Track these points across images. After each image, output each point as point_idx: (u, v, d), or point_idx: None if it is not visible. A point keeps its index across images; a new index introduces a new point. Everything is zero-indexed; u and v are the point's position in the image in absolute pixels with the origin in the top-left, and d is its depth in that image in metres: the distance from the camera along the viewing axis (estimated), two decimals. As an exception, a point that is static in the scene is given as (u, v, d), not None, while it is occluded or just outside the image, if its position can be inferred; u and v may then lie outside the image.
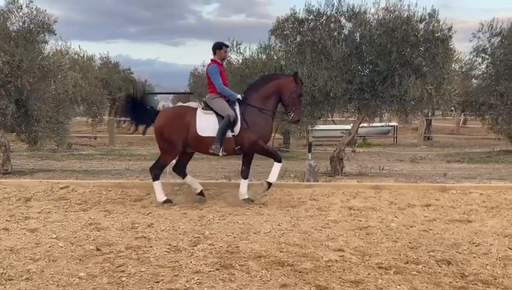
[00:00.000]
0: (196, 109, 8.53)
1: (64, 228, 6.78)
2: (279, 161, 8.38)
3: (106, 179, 10.78)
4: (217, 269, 5.13)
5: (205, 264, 5.25)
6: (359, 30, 10.74)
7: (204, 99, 8.77)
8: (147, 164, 13.70)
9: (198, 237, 6.29)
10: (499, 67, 15.60)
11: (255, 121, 8.28)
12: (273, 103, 8.41)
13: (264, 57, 14.79)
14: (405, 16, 10.45)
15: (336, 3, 11.00)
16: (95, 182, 9.91)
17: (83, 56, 20.52)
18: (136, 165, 13.67)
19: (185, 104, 8.94)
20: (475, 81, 18.11)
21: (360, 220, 7.17)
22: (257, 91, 8.42)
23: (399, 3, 10.59)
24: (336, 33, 10.96)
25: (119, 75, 29.34)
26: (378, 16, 10.78)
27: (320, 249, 5.81)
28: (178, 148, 8.47)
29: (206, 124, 8.28)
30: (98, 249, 5.78)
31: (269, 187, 8.41)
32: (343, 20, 11.09)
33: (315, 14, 11.10)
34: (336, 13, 11.03)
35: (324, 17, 11.08)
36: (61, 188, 9.38)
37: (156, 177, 8.55)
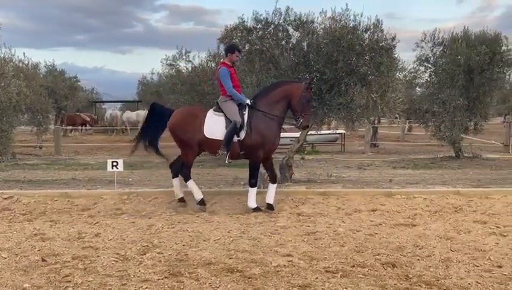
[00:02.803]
0: (207, 110, 8.61)
1: (8, 239, 6.62)
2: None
3: (52, 188, 10.53)
4: (166, 277, 5.11)
5: (154, 273, 5.23)
6: (306, 39, 10.87)
7: (216, 101, 8.75)
8: (94, 173, 13.54)
9: (147, 245, 6.25)
10: (441, 76, 16.10)
11: (260, 127, 8.30)
12: (282, 109, 8.45)
13: (213, 65, 14.84)
14: (351, 25, 10.65)
15: (283, 13, 11.12)
16: (40, 192, 9.70)
17: (28, 64, 19.96)
18: (82, 174, 13.40)
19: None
20: (419, 89, 18.62)
21: (309, 226, 7.28)
22: (267, 97, 8.47)
23: (345, 13, 10.78)
24: (283, 42, 11.07)
25: (65, 83, 28.73)
26: (325, 26, 10.95)
27: (269, 254, 5.88)
28: (195, 146, 8.52)
29: (214, 127, 8.34)
30: (43, 260, 5.67)
31: (272, 209, 8.37)
32: (290, 29, 11.21)
33: (263, 23, 11.17)
34: (284, 22, 11.14)
35: (272, 26, 11.17)
36: (5, 198, 9.15)
37: (187, 178, 8.61)
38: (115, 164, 9.67)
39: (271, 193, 8.53)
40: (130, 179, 12.14)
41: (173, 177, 8.87)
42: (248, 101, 8.43)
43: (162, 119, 8.79)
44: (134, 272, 5.26)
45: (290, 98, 8.39)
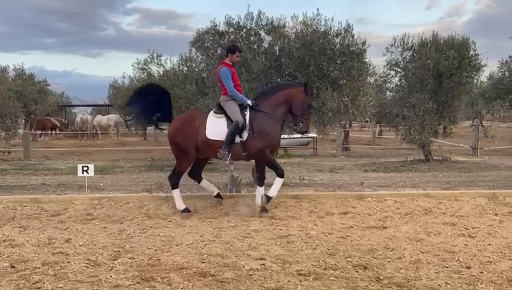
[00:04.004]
0: (207, 113, 8.58)
1: (-25, 245, 6.48)
2: (281, 176, 8.40)
3: (21, 194, 10.36)
4: (138, 283, 5.08)
5: (125, 278, 5.18)
6: (278, 43, 10.93)
7: (218, 101, 8.72)
8: (64, 178, 13.37)
9: (119, 251, 6.19)
10: (411, 80, 16.34)
11: (264, 128, 8.30)
12: (283, 111, 8.46)
13: (185, 69, 14.78)
14: (322, 30, 10.75)
15: (255, 17, 11.18)
16: (9, 197, 9.54)
17: (-5, 68, 19.67)
18: (52, 179, 13.22)
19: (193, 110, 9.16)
20: (389, 93, 18.88)
21: (281, 229, 7.30)
22: (268, 98, 8.47)
23: (316, 17, 10.88)
24: (255, 46, 11.12)
25: (34, 87, 28.33)
26: (296, 30, 11.04)
27: (242, 258, 5.88)
28: (192, 154, 8.46)
29: (217, 128, 8.29)
30: (12, 267, 5.58)
31: (268, 201, 8.38)
32: (262, 34, 11.27)
33: (235, 27, 11.21)
34: (256, 26, 11.19)
35: (244, 30, 11.21)
36: (-27, 204, 8.95)
37: (174, 186, 8.54)
38: (85, 168, 9.56)
39: (276, 186, 8.51)
40: (101, 184, 12.02)
41: (199, 183, 9.00)
42: (249, 102, 8.42)
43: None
44: (106, 277, 5.21)
45: (292, 101, 8.42)
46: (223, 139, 8.22)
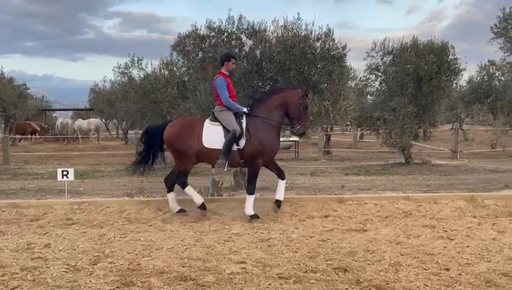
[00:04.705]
0: (204, 120, 8.51)
1: (-47, 251, 6.39)
2: (251, 193, 8.29)
3: (0, 199, 10.24)
4: (118, 287, 5.06)
5: (105, 283, 5.15)
6: (259, 47, 10.95)
7: (212, 110, 8.63)
8: (44, 183, 13.25)
9: (98, 255, 6.15)
10: (391, 84, 16.49)
11: (261, 134, 8.25)
12: (279, 115, 8.41)
13: (166, 72, 14.76)
14: (303, 34, 10.79)
15: (236, 21, 11.19)
16: (-13, 202, 9.40)
17: (-26, 71, 19.43)
18: (32, 184, 13.09)
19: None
20: (370, 97, 19.03)
21: (262, 233, 7.31)
22: (264, 104, 8.42)
23: (297, 22, 10.93)
24: (237, 50, 11.12)
25: (14, 91, 28.04)
26: (277, 34, 11.06)
27: (222, 262, 5.87)
28: (192, 156, 8.39)
29: (212, 136, 8.22)
30: (-10, 272, 5.50)
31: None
32: (243, 38, 11.28)
33: (216, 31, 11.21)
34: (237, 30, 11.20)
35: (225, 34, 11.22)
36: (-50, 210, 8.82)
37: (184, 185, 8.49)
38: (65, 173, 9.48)
39: (281, 189, 8.55)
40: (82, 189, 11.93)
41: (168, 192, 8.71)
42: (245, 110, 8.38)
43: (157, 137, 8.73)
44: (85, 282, 5.18)
45: (288, 104, 8.39)
46: (220, 148, 8.16)
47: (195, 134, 8.33)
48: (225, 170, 8.35)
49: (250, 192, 8.33)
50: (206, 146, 8.26)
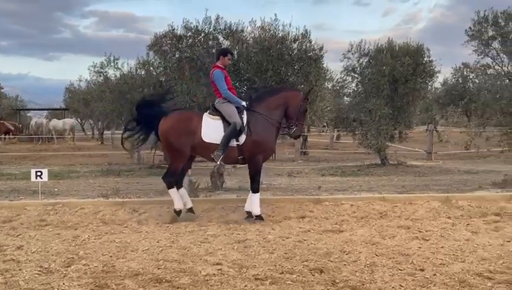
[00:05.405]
0: (202, 113, 8.36)
1: None
2: (256, 191, 8.25)
3: (-29, 200, 10.05)
4: (92, 289, 4.98)
5: (79, 285, 5.08)
6: (236, 48, 10.96)
7: (213, 103, 8.49)
8: (17, 183, 13.03)
9: (72, 257, 6.07)
10: (367, 85, 16.60)
11: (262, 131, 8.16)
12: (279, 114, 8.34)
13: (143, 72, 14.64)
14: (280, 35, 10.83)
15: (213, 21, 11.17)
16: (-42, 203, 9.23)
17: None
18: (5, 185, 12.86)
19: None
20: (346, 98, 19.12)
21: (239, 234, 7.29)
22: (265, 101, 8.34)
23: (274, 23, 10.97)
24: (214, 50, 11.10)
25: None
26: (254, 35, 11.09)
27: (198, 263, 5.84)
28: (186, 153, 8.22)
29: (212, 130, 8.08)
30: (-40, 275, 5.39)
31: (258, 219, 8.21)
32: (220, 38, 11.28)
33: (193, 31, 11.19)
34: (214, 31, 11.20)
35: (202, 35, 11.20)
36: None
37: (170, 185, 8.25)
38: (39, 173, 9.35)
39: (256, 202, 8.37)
40: (56, 189, 11.76)
41: (178, 189, 8.44)
42: (244, 103, 8.29)
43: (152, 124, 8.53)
44: (59, 285, 5.10)
45: (288, 105, 8.33)
46: (218, 142, 8.04)
47: (193, 127, 8.17)
48: (218, 163, 8.24)
49: (255, 190, 8.27)
50: (204, 140, 8.12)
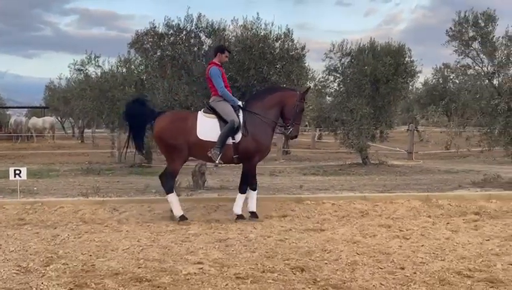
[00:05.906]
0: (197, 112, 8.25)
1: None
2: (254, 189, 8.34)
3: None
4: (71, 289, 4.93)
5: (58, 285, 5.02)
6: (218, 46, 10.90)
7: (208, 101, 8.41)
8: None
9: (51, 256, 6.00)
10: (349, 85, 16.67)
11: (258, 131, 8.10)
12: (275, 114, 8.28)
13: (124, 70, 14.53)
14: (262, 34, 10.82)
15: (195, 20, 11.12)
16: None
17: None
18: (-17, 183, 12.67)
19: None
20: (328, 98, 19.13)
21: (220, 233, 7.27)
22: (261, 100, 8.27)
23: (256, 22, 10.95)
24: (196, 48, 11.06)
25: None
26: (236, 33, 11.06)
27: (179, 263, 5.81)
28: (185, 152, 8.09)
29: (208, 128, 7.98)
30: None
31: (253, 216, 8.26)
32: (203, 36, 11.22)
33: (175, 29, 11.11)
34: (196, 29, 11.14)
35: (184, 33, 11.13)
36: None
37: (170, 190, 8.09)
38: (17, 172, 9.22)
39: (253, 200, 8.46)
40: (35, 188, 11.62)
41: (168, 193, 8.24)
42: (240, 103, 8.23)
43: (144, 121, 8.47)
44: (37, 284, 5.03)
45: (284, 104, 8.28)
46: (215, 140, 7.96)
47: (189, 126, 8.08)
48: (217, 161, 8.12)
49: (254, 188, 8.36)
50: (200, 138, 8.03)
